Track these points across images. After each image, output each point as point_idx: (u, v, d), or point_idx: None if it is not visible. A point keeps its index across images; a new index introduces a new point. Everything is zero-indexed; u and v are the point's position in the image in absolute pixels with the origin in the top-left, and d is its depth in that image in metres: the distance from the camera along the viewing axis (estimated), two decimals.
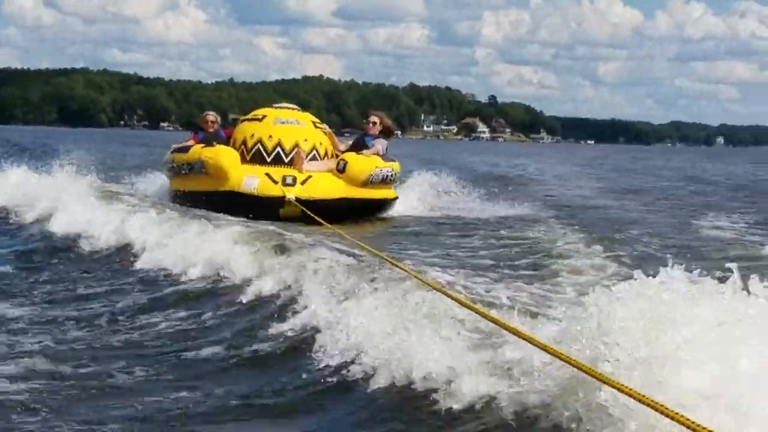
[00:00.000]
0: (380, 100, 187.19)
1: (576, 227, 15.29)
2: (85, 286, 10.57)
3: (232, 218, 13.29)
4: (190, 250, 10.78)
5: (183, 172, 16.34)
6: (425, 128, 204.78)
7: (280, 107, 17.32)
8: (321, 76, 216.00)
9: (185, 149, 16.54)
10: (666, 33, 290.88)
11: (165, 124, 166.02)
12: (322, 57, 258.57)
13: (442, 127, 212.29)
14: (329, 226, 12.36)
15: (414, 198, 18.69)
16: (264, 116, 16.64)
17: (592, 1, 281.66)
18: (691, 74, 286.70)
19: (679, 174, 42.90)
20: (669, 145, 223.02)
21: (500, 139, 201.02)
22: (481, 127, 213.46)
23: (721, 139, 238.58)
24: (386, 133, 17.27)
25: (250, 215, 13.89)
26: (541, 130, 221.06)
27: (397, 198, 16.97)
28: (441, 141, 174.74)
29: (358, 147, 16.49)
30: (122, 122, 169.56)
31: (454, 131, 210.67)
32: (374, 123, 17.05)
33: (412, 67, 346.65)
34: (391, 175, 16.42)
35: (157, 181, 19.48)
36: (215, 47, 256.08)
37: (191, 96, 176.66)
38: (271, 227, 12.40)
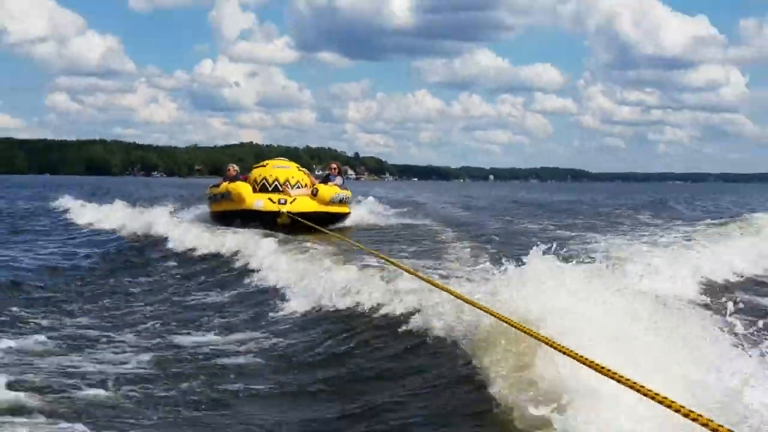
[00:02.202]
0: (289, 156, 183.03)
1: (454, 229, 15.55)
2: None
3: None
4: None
5: (217, 199, 15.68)
6: (316, 173, 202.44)
7: (277, 159, 16.78)
8: (251, 142, 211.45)
9: (218, 185, 15.93)
10: (458, 113, 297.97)
11: (156, 173, 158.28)
12: (250, 130, 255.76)
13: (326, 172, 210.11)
14: (326, 231, 11.60)
15: (360, 214, 18.30)
16: (267, 164, 16.29)
17: (414, 94, 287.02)
18: (473, 138, 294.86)
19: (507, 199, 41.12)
20: (461, 180, 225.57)
21: (362, 178, 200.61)
22: (350, 171, 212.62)
23: (492, 177, 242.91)
24: (340, 173, 17.32)
25: (258, 224, 13.61)
26: (386, 173, 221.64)
27: (350, 213, 16.62)
28: None
29: (325, 182, 16.34)
30: (127, 173, 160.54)
31: (327, 172, 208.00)
32: (334, 168, 17.40)
33: (307, 136, 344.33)
34: (346, 198, 16.17)
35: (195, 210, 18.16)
36: (184, 124, 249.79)
37: (174, 155, 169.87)
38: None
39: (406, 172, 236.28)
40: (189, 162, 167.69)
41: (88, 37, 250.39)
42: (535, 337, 3.17)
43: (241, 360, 5.62)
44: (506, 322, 3.49)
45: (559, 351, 2.89)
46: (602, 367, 2.62)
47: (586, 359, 2.72)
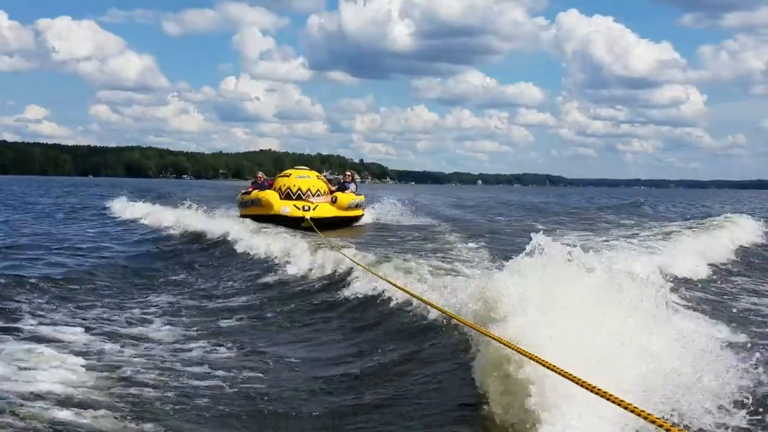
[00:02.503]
0: (303, 163, 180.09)
1: (452, 226, 15.56)
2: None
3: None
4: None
5: (247, 205, 15.45)
6: (326, 176, 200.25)
7: (298, 168, 16.40)
8: (269, 149, 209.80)
9: (248, 192, 15.77)
10: (451, 125, 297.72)
11: (185, 176, 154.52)
12: (269, 139, 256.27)
13: (336, 175, 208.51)
14: (322, 234, 11.61)
15: (372, 215, 18.20)
16: (290, 174, 16.02)
17: (413, 108, 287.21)
18: (464, 147, 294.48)
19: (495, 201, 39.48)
20: (453, 184, 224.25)
21: (366, 182, 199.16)
22: (357, 176, 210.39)
23: (480, 181, 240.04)
24: (353, 180, 17.04)
25: (285, 226, 13.39)
26: (388, 177, 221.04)
27: (363, 215, 16.57)
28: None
29: (341, 188, 16.17)
30: (161, 175, 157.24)
31: (342, 179, 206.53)
32: (349, 176, 17.33)
33: (318, 144, 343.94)
34: (360, 203, 16.14)
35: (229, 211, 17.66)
36: (210, 133, 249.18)
37: (201, 160, 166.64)
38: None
39: (405, 176, 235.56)
40: (215, 166, 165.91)
41: (126, 56, 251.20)
42: (519, 352, 2.91)
43: (308, 288, 7.53)
44: (489, 336, 3.27)
45: (546, 366, 2.65)
46: (580, 380, 2.39)
47: (566, 372, 2.49)
